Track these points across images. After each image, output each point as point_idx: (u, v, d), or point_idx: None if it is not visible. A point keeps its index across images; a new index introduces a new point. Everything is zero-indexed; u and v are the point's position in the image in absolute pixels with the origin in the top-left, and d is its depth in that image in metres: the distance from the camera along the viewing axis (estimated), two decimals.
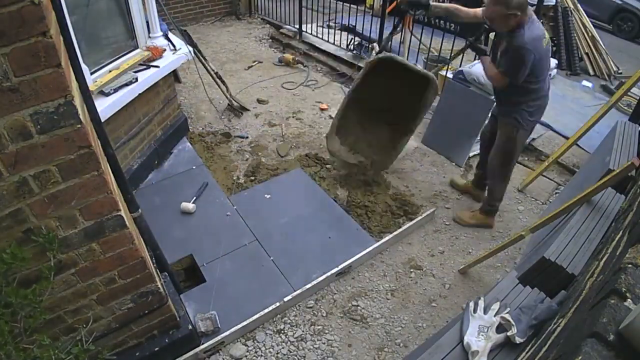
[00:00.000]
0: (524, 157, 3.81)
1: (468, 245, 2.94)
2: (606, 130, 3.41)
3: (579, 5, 5.66)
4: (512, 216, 3.16)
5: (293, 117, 4.20)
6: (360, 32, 5.26)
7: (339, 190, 3.34)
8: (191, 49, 3.43)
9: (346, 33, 5.61)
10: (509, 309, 1.66)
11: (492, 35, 4.39)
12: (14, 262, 1.15)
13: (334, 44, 5.36)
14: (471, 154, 3.71)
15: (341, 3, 5.45)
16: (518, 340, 1.51)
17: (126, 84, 2.71)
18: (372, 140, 3.50)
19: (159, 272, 2.01)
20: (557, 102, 4.51)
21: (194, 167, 3.40)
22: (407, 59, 4.78)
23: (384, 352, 2.27)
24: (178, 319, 2.03)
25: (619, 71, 5.58)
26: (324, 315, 2.43)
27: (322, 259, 2.67)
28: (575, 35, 5.47)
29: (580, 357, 0.79)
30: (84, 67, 1.89)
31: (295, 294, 2.44)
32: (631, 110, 4.01)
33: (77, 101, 1.20)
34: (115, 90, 2.63)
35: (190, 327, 2.08)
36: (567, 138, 3.96)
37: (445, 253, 2.87)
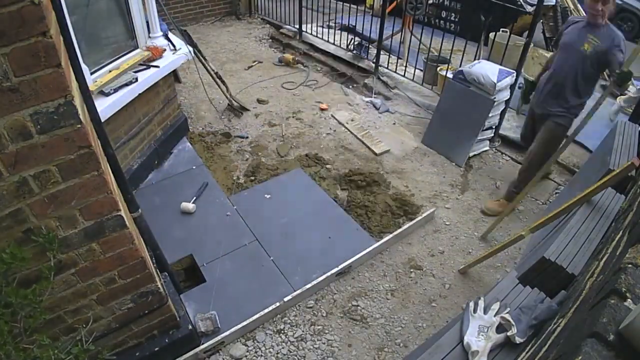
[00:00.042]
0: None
1: (468, 245, 2.94)
2: (606, 130, 3.41)
3: (579, 5, 5.65)
4: (512, 216, 3.16)
5: (293, 117, 4.20)
6: (360, 32, 5.27)
7: (339, 190, 3.34)
8: (191, 49, 3.43)
9: (346, 33, 5.62)
10: (509, 309, 1.66)
11: (492, 35, 4.39)
12: (13, 262, 1.15)
13: (334, 44, 5.36)
14: (471, 154, 3.71)
15: (341, 3, 5.45)
16: (518, 340, 1.51)
17: (126, 84, 2.71)
18: None
19: (159, 272, 2.01)
20: None
21: (194, 167, 3.40)
22: (407, 59, 4.80)
23: (384, 352, 2.27)
24: (178, 319, 2.03)
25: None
26: (324, 315, 2.43)
27: (322, 259, 2.67)
28: None
29: (580, 357, 0.79)
30: (84, 67, 1.89)
31: (295, 294, 2.44)
32: (631, 111, 4.02)
33: (77, 101, 1.20)
34: (115, 90, 2.63)
35: (190, 327, 2.08)
36: (567, 137, 3.96)
37: (445, 253, 2.87)
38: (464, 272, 2.72)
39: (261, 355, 2.23)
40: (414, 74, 4.65)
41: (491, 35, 4.48)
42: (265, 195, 3.19)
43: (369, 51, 5.12)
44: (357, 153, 3.73)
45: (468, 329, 1.60)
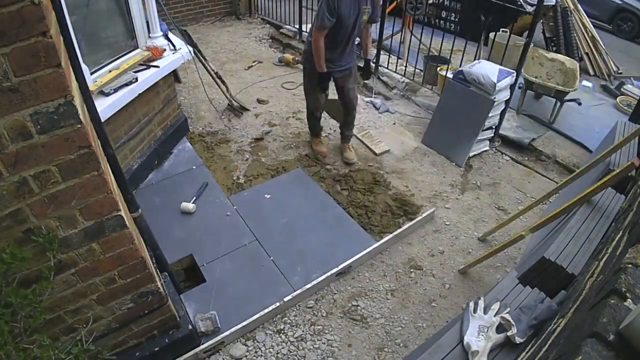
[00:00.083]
0: (523, 157, 3.82)
1: (468, 245, 2.94)
2: (606, 130, 3.41)
3: (579, 5, 5.66)
4: None
5: (293, 117, 4.20)
6: None
7: (339, 190, 3.34)
8: (191, 49, 3.43)
9: None
10: (509, 309, 1.66)
11: (492, 35, 4.40)
12: (13, 262, 1.15)
13: None
14: (471, 154, 3.71)
15: None
16: (518, 340, 1.51)
17: (126, 84, 2.71)
18: None
19: (159, 272, 2.01)
20: None
21: (194, 167, 3.40)
22: (407, 59, 4.80)
23: (384, 352, 2.27)
24: (178, 319, 2.03)
25: (619, 71, 5.58)
26: (324, 315, 2.43)
27: (322, 259, 2.67)
28: (575, 35, 5.47)
29: (580, 357, 0.79)
30: (84, 67, 1.89)
31: (295, 294, 2.44)
32: (631, 110, 4.02)
33: (77, 101, 1.20)
34: (115, 90, 2.63)
35: (190, 327, 2.08)
36: (567, 137, 3.97)
37: (445, 253, 2.87)
38: (464, 272, 2.72)
39: (261, 355, 2.23)
40: (414, 74, 4.66)
41: (491, 35, 4.49)
42: (265, 195, 3.19)
43: None
44: (357, 153, 3.73)
45: (468, 329, 1.60)
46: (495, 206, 3.28)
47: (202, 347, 2.14)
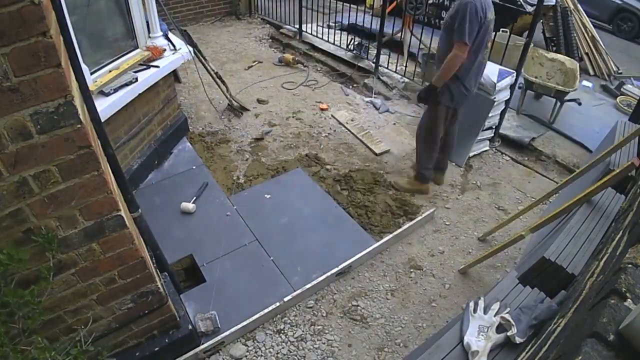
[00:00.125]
0: (523, 157, 3.82)
1: (468, 245, 2.94)
2: (606, 130, 3.41)
3: (579, 5, 5.66)
4: None
5: (293, 117, 4.20)
6: (363, 26, 5.26)
7: (339, 190, 3.34)
8: (191, 49, 3.42)
9: (346, 33, 5.62)
10: (509, 309, 1.66)
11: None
12: (10, 263, 1.15)
13: (333, 44, 5.36)
14: (471, 154, 3.71)
15: (341, 3, 5.46)
16: (518, 340, 1.51)
17: (126, 84, 2.71)
18: None
19: (159, 272, 2.01)
20: None
21: (194, 167, 3.40)
22: (407, 59, 4.80)
23: (384, 352, 2.27)
24: (178, 319, 2.03)
25: (619, 71, 5.58)
26: (324, 315, 2.43)
27: (322, 259, 2.67)
28: (575, 35, 5.47)
29: (580, 357, 0.79)
30: (84, 67, 1.89)
31: (295, 294, 2.43)
32: (631, 110, 4.02)
33: (77, 101, 1.20)
34: (115, 90, 2.63)
35: (190, 327, 2.08)
36: (567, 137, 3.97)
37: (445, 253, 2.87)
38: (464, 272, 2.72)
39: (261, 355, 2.23)
40: (414, 74, 4.66)
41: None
42: (265, 195, 3.19)
43: (369, 51, 5.12)
44: (357, 153, 3.73)
45: (468, 329, 1.60)
46: (495, 206, 3.28)
47: (202, 347, 2.14)
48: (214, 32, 6.11)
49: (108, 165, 1.57)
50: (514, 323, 1.54)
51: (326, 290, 2.57)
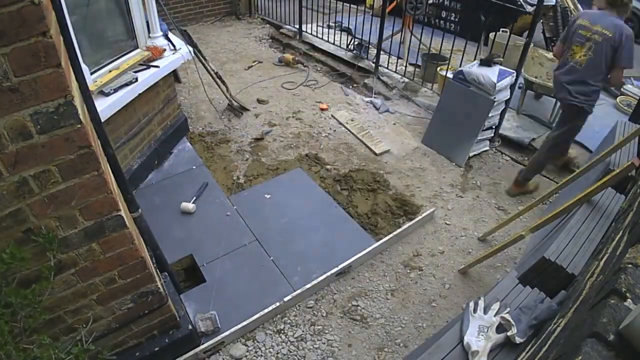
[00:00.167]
0: (523, 157, 3.82)
1: (468, 245, 2.94)
2: (606, 130, 3.41)
3: (579, 5, 5.65)
4: None
5: (293, 117, 4.20)
6: (355, 34, 5.29)
7: (339, 190, 3.34)
8: (191, 49, 3.43)
9: (346, 33, 5.62)
10: (509, 309, 1.66)
11: (492, 35, 4.39)
12: (12, 262, 1.15)
13: (333, 44, 5.36)
14: (471, 154, 3.71)
15: (341, 3, 5.46)
16: (518, 340, 1.51)
17: (126, 84, 2.71)
18: None
19: (159, 272, 2.01)
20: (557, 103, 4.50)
21: (194, 167, 3.40)
22: (407, 59, 4.80)
23: (384, 352, 2.27)
24: (178, 319, 2.03)
25: None
26: (324, 315, 2.43)
27: (322, 259, 2.67)
28: None
29: (580, 357, 0.79)
30: (84, 67, 1.89)
31: (295, 294, 2.44)
32: (631, 110, 4.02)
33: (77, 101, 1.20)
34: (115, 90, 2.63)
35: (190, 327, 2.08)
36: None
37: (445, 253, 2.87)
38: (464, 272, 2.72)
39: (261, 355, 2.23)
40: (414, 74, 4.66)
41: (491, 35, 4.49)
42: (265, 195, 3.19)
43: (369, 51, 5.12)
44: (357, 153, 3.73)
45: (468, 329, 1.60)
46: (495, 206, 3.28)
47: (202, 347, 2.14)
48: (214, 32, 6.11)
49: (108, 165, 1.57)
50: (514, 323, 1.54)
51: (326, 290, 2.57)
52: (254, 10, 6.71)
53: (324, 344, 2.29)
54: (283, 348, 2.26)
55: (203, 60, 3.94)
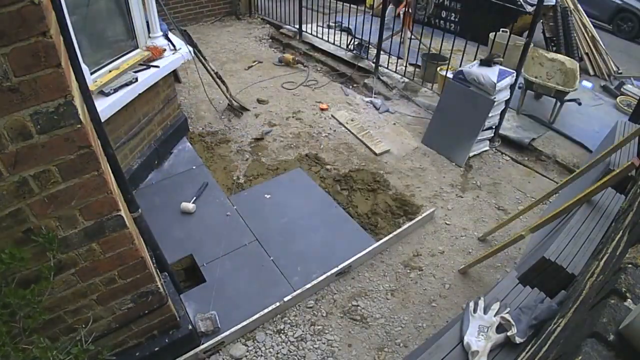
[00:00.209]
0: (523, 157, 3.82)
1: (468, 245, 2.94)
2: (606, 130, 3.41)
3: (579, 5, 5.65)
4: None
5: (293, 117, 4.20)
6: (353, 32, 5.28)
7: (339, 190, 3.34)
8: (191, 49, 3.43)
9: (346, 33, 5.62)
10: (509, 309, 1.66)
11: (491, 35, 4.39)
12: (12, 262, 1.15)
13: (333, 44, 5.36)
14: (471, 154, 3.71)
15: (341, 3, 5.46)
16: (518, 340, 1.51)
17: (126, 84, 2.71)
18: None
19: (159, 272, 2.01)
20: None
21: (194, 167, 3.40)
22: (407, 59, 4.80)
23: (384, 352, 2.27)
24: (178, 319, 2.03)
25: (619, 71, 5.58)
26: (324, 315, 2.43)
27: (322, 259, 2.67)
28: (575, 35, 5.47)
29: (580, 357, 0.79)
30: (84, 67, 1.89)
31: (295, 294, 2.44)
32: (631, 110, 4.02)
33: (77, 101, 1.20)
34: (115, 90, 2.63)
35: (190, 327, 2.08)
36: (567, 137, 3.97)
37: (445, 253, 2.87)
38: (464, 272, 2.72)
39: (261, 355, 2.23)
40: (414, 74, 4.66)
41: (491, 35, 4.49)
42: (265, 195, 3.19)
43: (369, 51, 5.12)
44: (357, 153, 3.73)
45: (468, 329, 1.60)
46: (495, 206, 3.28)
47: (202, 347, 2.14)
48: (214, 32, 6.11)
49: (108, 165, 1.57)
50: (514, 323, 1.54)
51: (326, 290, 2.57)
52: (254, 10, 6.71)
53: (324, 344, 2.29)
54: (283, 348, 2.26)
55: (203, 60, 3.94)
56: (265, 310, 2.33)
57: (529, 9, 4.89)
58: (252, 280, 2.55)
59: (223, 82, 4.10)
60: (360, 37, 5.08)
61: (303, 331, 2.34)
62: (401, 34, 5.09)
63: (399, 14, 5.00)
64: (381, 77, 4.84)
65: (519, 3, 5.12)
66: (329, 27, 5.76)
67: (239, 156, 3.64)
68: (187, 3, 6.12)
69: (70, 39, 1.30)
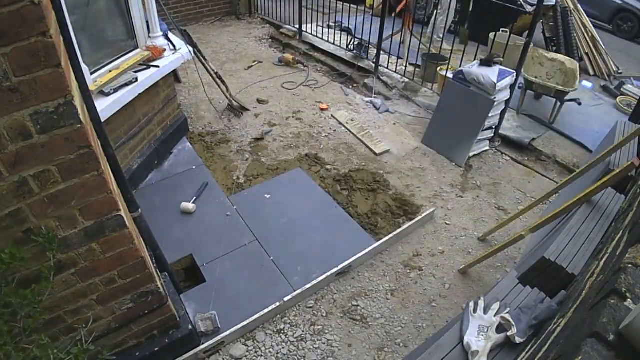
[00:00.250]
0: (523, 157, 3.82)
1: (468, 245, 2.94)
2: (606, 130, 3.41)
3: (579, 5, 5.65)
4: None
5: (293, 117, 4.20)
6: (353, 32, 5.28)
7: (339, 190, 3.34)
8: (191, 49, 3.43)
9: (346, 33, 5.62)
10: (509, 309, 1.66)
11: (491, 35, 4.39)
12: (12, 262, 1.15)
13: (333, 44, 5.36)
14: (471, 154, 3.71)
15: (341, 3, 5.46)
16: (518, 340, 1.51)
17: (126, 84, 2.71)
18: None
19: (159, 272, 2.01)
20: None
21: (194, 167, 3.40)
22: (407, 59, 4.80)
23: (384, 352, 2.27)
24: (178, 319, 2.03)
25: (619, 71, 5.58)
26: (324, 315, 2.43)
27: (322, 259, 2.67)
28: (575, 35, 5.47)
29: (580, 357, 0.79)
30: (84, 67, 1.89)
31: (295, 294, 2.44)
32: (631, 110, 4.02)
33: (77, 101, 1.20)
34: (115, 90, 2.63)
35: (190, 327, 2.08)
36: (567, 137, 3.97)
37: (445, 253, 2.87)
38: (464, 272, 2.72)
39: (261, 355, 2.23)
40: (414, 74, 4.66)
41: (491, 35, 4.49)
42: (265, 195, 3.19)
43: (369, 51, 5.11)
44: (357, 153, 3.73)
45: (468, 329, 1.60)
46: (495, 206, 3.28)
47: (202, 347, 2.14)
48: (214, 32, 6.11)
49: (108, 165, 1.57)
50: (514, 323, 1.54)
51: (326, 290, 2.57)
52: (254, 10, 6.71)
53: (324, 344, 2.29)
54: (283, 348, 2.26)
55: (203, 60, 3.94)
56: (265, 310, 2.33)
57: (529, 9, 4.89)
58: (252, 280, 2.55)
59: (223, 82, 4.10)
60: (360, 37, 5.08)
61: (303, 331, 2.34)
62: (401, 34, 5.09)
63: (399, 11, 4.99)
64: (381, 77, 4.84)
65: (519, 3, 5.12)
66: (329, 27, 5.76)
67: (239, 156, 3.64)
68: (187, 3, 6.12)
69: (70, 39, 1.30)
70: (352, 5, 5.03)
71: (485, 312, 1.67)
